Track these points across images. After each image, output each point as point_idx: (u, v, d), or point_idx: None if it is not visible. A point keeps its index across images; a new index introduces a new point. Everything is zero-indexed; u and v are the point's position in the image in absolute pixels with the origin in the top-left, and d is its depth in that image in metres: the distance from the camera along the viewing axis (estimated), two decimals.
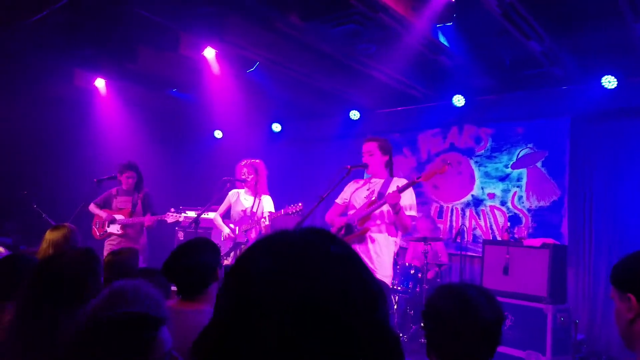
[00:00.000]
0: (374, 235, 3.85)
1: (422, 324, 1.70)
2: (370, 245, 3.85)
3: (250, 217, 4.89)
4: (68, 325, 1.59)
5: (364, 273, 0.73)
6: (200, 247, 2.31)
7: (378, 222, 3.87)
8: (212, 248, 2.37)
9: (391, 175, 4.09)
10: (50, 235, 3.25)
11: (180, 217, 5.43)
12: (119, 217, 5.46)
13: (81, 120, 7.20)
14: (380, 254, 3.83)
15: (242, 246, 4.77)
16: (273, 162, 8.32)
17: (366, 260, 3.77)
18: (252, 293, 0.68)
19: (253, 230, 4.85)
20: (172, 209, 5.47)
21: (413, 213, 3.90)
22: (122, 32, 5.55)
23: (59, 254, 2.09)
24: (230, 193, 5.17)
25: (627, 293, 1.33)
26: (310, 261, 0.70)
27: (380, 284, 0.75)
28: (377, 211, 3.85)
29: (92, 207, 5.53)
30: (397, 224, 3.87)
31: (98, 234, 5.51)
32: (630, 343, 1.35)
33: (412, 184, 3.77)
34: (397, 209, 3.73)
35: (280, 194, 7.89)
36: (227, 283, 0.73)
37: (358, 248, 3.81)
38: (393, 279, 5.71)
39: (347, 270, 0.71)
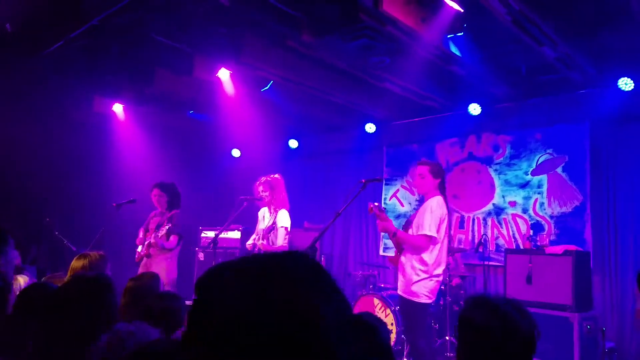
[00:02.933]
0: (403, 256, 4.19)
1: (455, 336, 1.73)
2: (400, 270, 4.18)
3: (263, 236, 4.92)
4: None
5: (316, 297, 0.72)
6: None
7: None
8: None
9: (444, 197, 4.27)
10: (73, 265, 3.27)
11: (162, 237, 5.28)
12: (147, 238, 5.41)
13: (101, 146, 7.34)
14: (403, 274, 4.11)
15: None
16: (291, 178, 8.37)
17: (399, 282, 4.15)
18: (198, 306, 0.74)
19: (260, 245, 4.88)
20: (142, 228, 5.43)
21: (423, 232, 4.04)
22: (139, 57, 5.69)
23: (64, 285, 2.10)
24: (259, 212, 5.24)
25: None
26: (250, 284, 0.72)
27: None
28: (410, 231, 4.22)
29: (140, 231, 5.52)
30: (408, 245, 4.13)
31: (137, 257, 5.47)
32: None
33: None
34: (390, 233, 4.10)
35: (299, 209, 7.91)
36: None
37: (399, 274, 4.22)
38: None
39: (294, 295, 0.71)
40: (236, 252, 6.80)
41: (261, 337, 0.66)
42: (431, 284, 4.01)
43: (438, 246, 4.08)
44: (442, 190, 4.24)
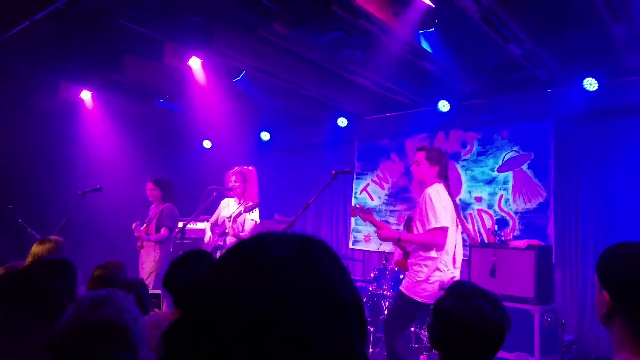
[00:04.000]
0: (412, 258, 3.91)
1: (429, 322, 1.75)
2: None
3: (231, 222, 4.89)
4: (40, 336, 1.59)
5: (320, 280, 0.68)
6: (194, 260, 2.34)
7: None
8: (208, 259, 2.41)
9: (447, 184, 3.93)
10: (35, 249, 3.23)
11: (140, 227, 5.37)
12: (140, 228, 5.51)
13: (67, 133, 7.18)
14: (409, 273, 3.85)
15: (219, 251, 4.78)
16: (263, 170, 8.32)
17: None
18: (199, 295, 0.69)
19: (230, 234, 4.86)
20: (138, 221, 5.40)
21: (430, 226, 3.69)
22: (107, 43, 5.58)
23: (27, 265, 2.08)
24: (222, 202, 5.22)
25: (604, 290, 1.34)
26: (249, 267, 0.67)
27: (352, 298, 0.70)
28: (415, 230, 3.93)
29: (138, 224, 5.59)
30: (416, 246, 3.84)
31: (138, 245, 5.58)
32: (608, 329, 1.37)
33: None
34: (395, 240, 3.94)
35: (270, 201, 7.90)
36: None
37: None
38: (382, 284, 5.77)
39: (293, 276, 0.66)
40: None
41: (301, 325, 0.63)
42: (431, 286, 3.74)
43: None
44: (442, 177, 3.90)
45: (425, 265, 3.72)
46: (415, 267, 3.76)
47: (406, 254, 3.99)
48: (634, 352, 1.25)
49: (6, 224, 5.73)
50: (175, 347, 0.67)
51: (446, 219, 3.71)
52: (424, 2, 4.31)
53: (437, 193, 3.77)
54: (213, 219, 5.27)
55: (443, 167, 3.91)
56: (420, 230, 3.78)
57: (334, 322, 0.66)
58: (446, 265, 3.77)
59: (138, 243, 5.50)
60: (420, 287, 3.71)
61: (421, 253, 3.76)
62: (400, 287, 3.87)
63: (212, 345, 0.63)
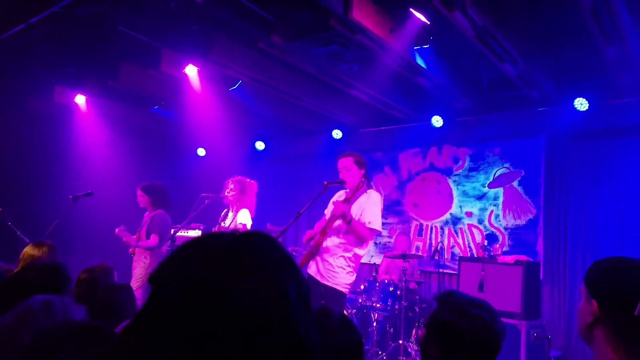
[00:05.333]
0: (329, 245, 3.96)
1: (424, 335, 1.72)
2: (326, 256, 3.95)
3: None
4: None
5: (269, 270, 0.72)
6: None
7: (332, 234, 3.97)
8: None
9: (368, 187, 4.15)
10: (29, 252, 3.20)
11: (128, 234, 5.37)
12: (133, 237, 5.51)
13: (60, 137, 7.14)
14: (333, 265, 3.92)
15: None
16: (256, 180, 8.32)
17: (319, 267, 3.96)
18: (161, 278, 0.74)
19: None
20: (122, 226, 5.39)
21: (374, 226, 3.95)
22: (104, 49, 5.60)
23: (22, 270, 2.08)
24: (222, 214, 5.24)
25: (593, 298, 1.35)
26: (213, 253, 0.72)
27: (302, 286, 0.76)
28: (337, 223, 3.93)
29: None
30: (353, 234, 3.92)
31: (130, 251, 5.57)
32: (588, 342, 1.39)
33: (357, 197, 3.98)
34: (347, 218, 3.84)
35: (263, 211, 7.91)
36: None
37: (318, 259, 3.98)
38: (372, 296, 5.78)
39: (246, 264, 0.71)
40: None
41: (232, 320, 0.66)
42: (353, 277, 4.01)
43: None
44: (367, 182, 4.14)
45: (350, 265, 3.97)
46: (337, 260, 3.93)
47: (324, 234, 4.03)
48: None
49: None
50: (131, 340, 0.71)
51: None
52: (419, 19, 4.38)
53: (380, 201, 4.17)
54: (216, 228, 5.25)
55: (366, 170, 4.17)
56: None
57: (282, 309, 0.70)
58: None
59: (130, 249, 5.51)
60: (344, 279, 3.95)
61: (351, 245, 3.96)
62: (319, 279, 3.95)
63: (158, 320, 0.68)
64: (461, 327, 1.62)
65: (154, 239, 5.38)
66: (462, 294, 1.78)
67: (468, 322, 1.62)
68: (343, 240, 3.94)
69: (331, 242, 3.96)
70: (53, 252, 3.16)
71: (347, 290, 3.98)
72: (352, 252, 3.96)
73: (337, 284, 3.89)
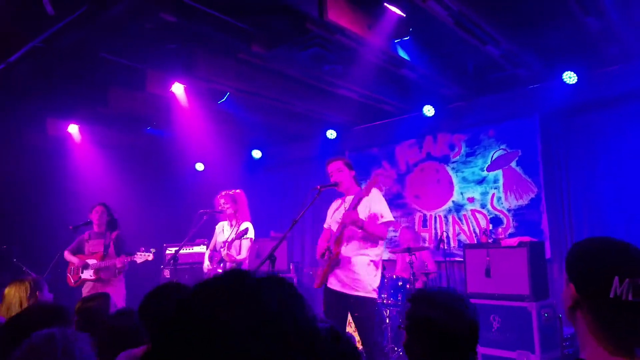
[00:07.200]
0: (348, 255, 3.87)
1: (405, 337, 1.72)
2: (348, 266, 3.86)
3: (226, 249, 4.89)
4: None
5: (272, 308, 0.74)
6: (167, 293, 2.25)
7: (347, 242, 3.89)
8: (182, 293, 2.36)
9: (359, 186, 4.15)
10: (10, 292, 3.07)
11: (149, 256, 5.24)
12: (91, 261, 5.30)
13: (57, 168, 7.17)
14: (358, 272, 3.83)
15: None
16: (256, 188, 8.39)
17: (343, 279, 3.85)
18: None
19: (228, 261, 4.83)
20: (142, 248, 5.30)
21: (385, 219, 3.91)
22: (90, 76, 5.64)
23: (20, 315, 2.07)
24: (217, 226, 5.20)
25: (570, 282, 1.34)
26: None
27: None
28: (348, 230, 3.88)
29: (67, 255, 5.41)
30: (369, 237, 3.88)
31: (72, 281, 5.37)
32: (573, 325, 1.39)
33: (360, 200, 3.86)
34: (359, 225, 3.79)
35: (265, 218, 7.93)
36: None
37: (339, 272, 3.88)
38: (382, 292, 5.76)
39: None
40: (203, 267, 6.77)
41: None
42: (378, 279, 3.95)
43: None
44: (358, 183, 4.20)
45: (373, 268, 3.92)
46: (361, 268, 3.86)
47: (339, 243, 3.96)
48: (599, 344, 1.27)
49: (2, 265, 5.74)
50: None
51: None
52: (395, 12, 4.37)
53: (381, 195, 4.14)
54: (211, 246, 5.22)
55: (354, 170, 4.22)
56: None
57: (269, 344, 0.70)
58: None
59: (92, 276, 5.28)
60: (371, 284, 3.89)
61: (368, 248, 3.91)
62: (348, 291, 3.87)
63: None
64: (436, 318, 1.64)
65: (125, 260, 5.28)
66: (431, 289, 1.80)
67: (447, 315, 1.64)
68: (361, 244, 3.89)
69: (349, 250, 3.88)
70: (37, 284, 3.14)
71: (376, 294, 3.91)
72: (373, 253, 3.92)
73: (366, 292, 3.82)
